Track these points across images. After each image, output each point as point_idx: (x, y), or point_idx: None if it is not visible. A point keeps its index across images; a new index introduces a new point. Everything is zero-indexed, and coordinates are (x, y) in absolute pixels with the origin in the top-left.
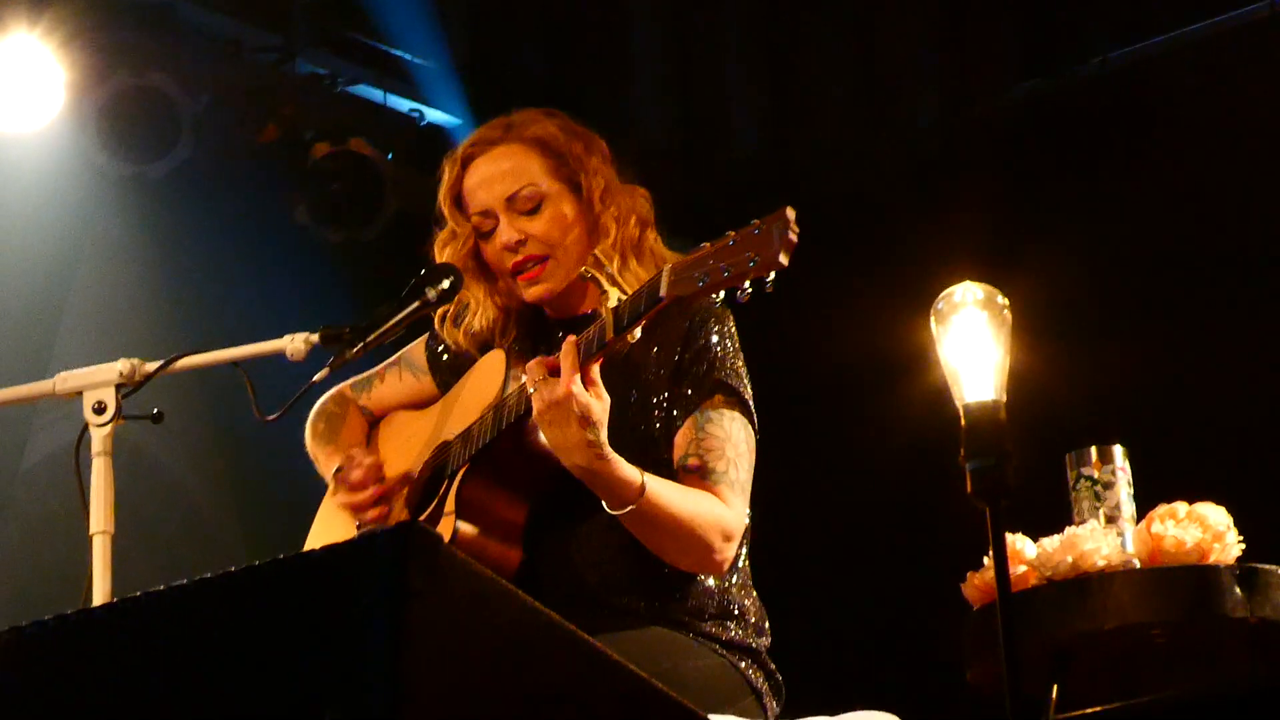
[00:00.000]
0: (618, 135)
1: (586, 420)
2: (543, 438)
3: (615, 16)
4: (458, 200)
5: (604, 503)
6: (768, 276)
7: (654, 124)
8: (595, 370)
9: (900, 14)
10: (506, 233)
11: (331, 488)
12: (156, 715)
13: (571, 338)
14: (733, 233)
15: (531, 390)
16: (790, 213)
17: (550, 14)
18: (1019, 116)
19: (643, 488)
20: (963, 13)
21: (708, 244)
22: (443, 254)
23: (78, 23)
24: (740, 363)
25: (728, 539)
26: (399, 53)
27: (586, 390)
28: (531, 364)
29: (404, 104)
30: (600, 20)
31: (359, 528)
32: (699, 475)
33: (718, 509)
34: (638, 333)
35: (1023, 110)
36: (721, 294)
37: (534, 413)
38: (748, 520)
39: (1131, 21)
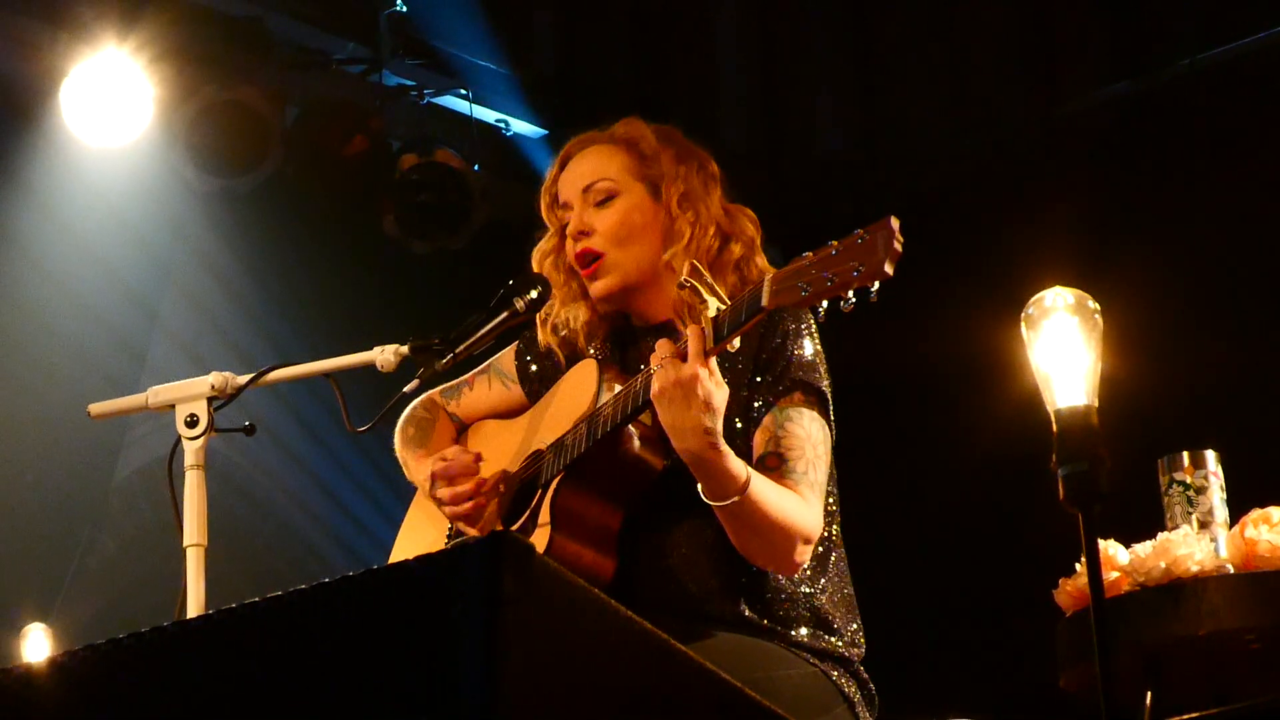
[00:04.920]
0: (703, 140)
1: (708, 406)
2: (636, 444)
3: (700, 24)
4: (556, 198)
5: (702, 491)
6: (872, 286)
7: (739, 128)
8: (714, 362)
9: (987, 15)
10: (574, 221)
11: (422, 490)
12: None
13: (695, 325)
14: (836, 242)
15: (655, 368)
16: (895, 222)
17: (635, 23)
18: (1107, 118)
19: (747, 483)
20: (1050, 14)
21: (810, 253)
22: (540, 252)
23: (166, 38)
24: (820, 360)
25: (807, 542)
26: (485, 64)
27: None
28: (662, 341)
29: (490, 115)
30: (685, 28)
31: (449, 537)
32: (779, 474)
33: (803, 511)
34: (737, 342)
35: (1111, 111)
36: (824, 304)
37: (654, 390)
38: (831, 520)
39: (1219, 22)
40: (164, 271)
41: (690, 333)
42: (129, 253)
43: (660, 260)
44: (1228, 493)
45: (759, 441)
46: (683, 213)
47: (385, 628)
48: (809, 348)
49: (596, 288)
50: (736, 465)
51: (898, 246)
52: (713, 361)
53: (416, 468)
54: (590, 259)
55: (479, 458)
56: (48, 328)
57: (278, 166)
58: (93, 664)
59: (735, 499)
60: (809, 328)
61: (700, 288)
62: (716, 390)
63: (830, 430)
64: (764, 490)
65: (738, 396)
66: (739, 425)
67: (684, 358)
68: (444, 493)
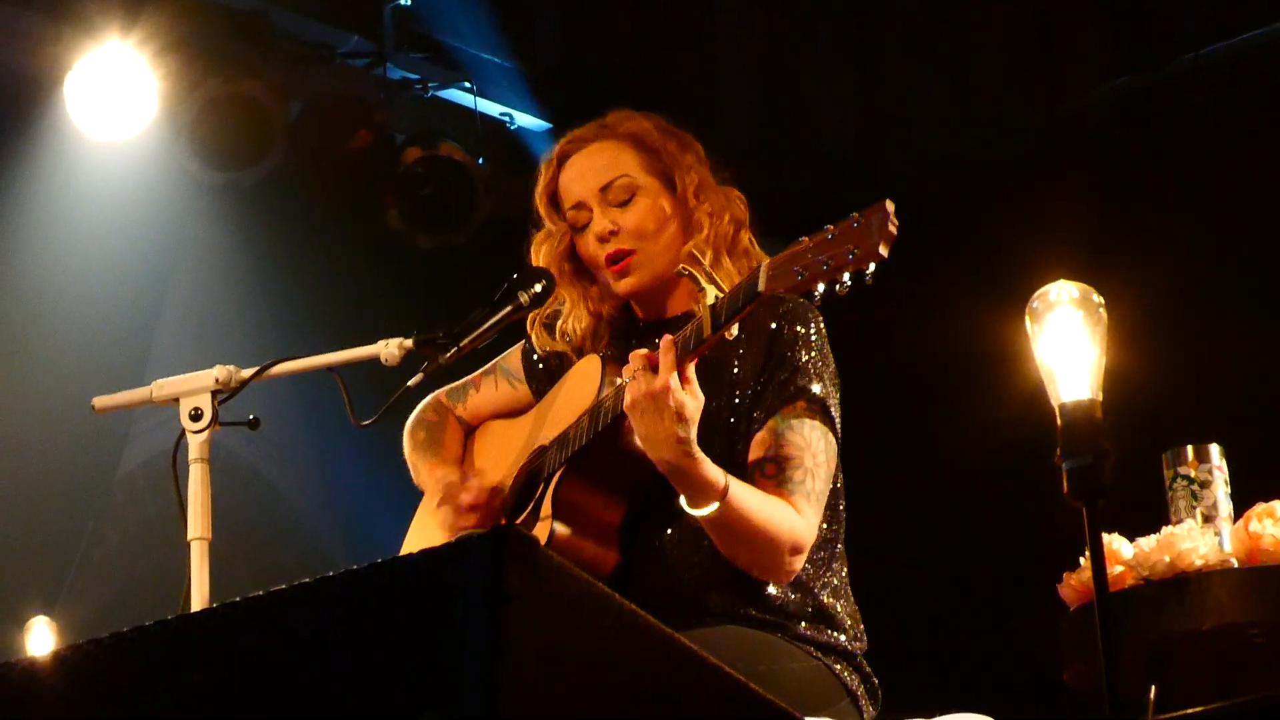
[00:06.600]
0: (706, 135)
1: (680, 416)
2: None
3: (702, 17)
4: (553, 199)
5: (683, 501)
6: (867, 269)
7: (742, 123)
8: (690, 369)
9: (990, 10)
10: (599, 223)
11: (430, 496)
12: None
13: (668, 336)
14: (831, 226)
15: (628, 380)
16: (890, 205)
17: (638, 16)
18: (1110, 113)
19: (726, 490)
20: (1053, 9)
21: (805, 238)
22: (539, 254)
23: (170, 32)
24: (826, 365)
25: (797, 551)
26: (489, 57)
27: (683, 388)
28: (634, 354)
29: (494, 108)
30: (689, 22)
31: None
32: (775, 482)
33: (792, 520)
34: (735, 329)
35: (1114, 107)
36: (820, 288)
37: (626, 402)
38: (824, 528)
39: (1222, 17)
40: (168, 265)
41: (662, 344)
42: (133, 246)
43: (682, 252)
44: (1232, 487)
45: (756, 448)
46: (700, 204)
47: (389, 622)
48: (816, 354)
49: (626, 284)
50: (714, 473)
51: (892, 229)
52: (690, 369)
53: (427, 474)
54: (620, 257)
55: (490, 490)
56: (52, 321)
57: (281, 160)
58: (96, 658)
59: (715, 506)
60: (818, 333)
61: (698, 275)
62: (689, 400)
63: (834, 437)
64: (746, 497)
65: (741, 399)
66: (743, 427)
67: (656, 369)
68: (452, 520)
